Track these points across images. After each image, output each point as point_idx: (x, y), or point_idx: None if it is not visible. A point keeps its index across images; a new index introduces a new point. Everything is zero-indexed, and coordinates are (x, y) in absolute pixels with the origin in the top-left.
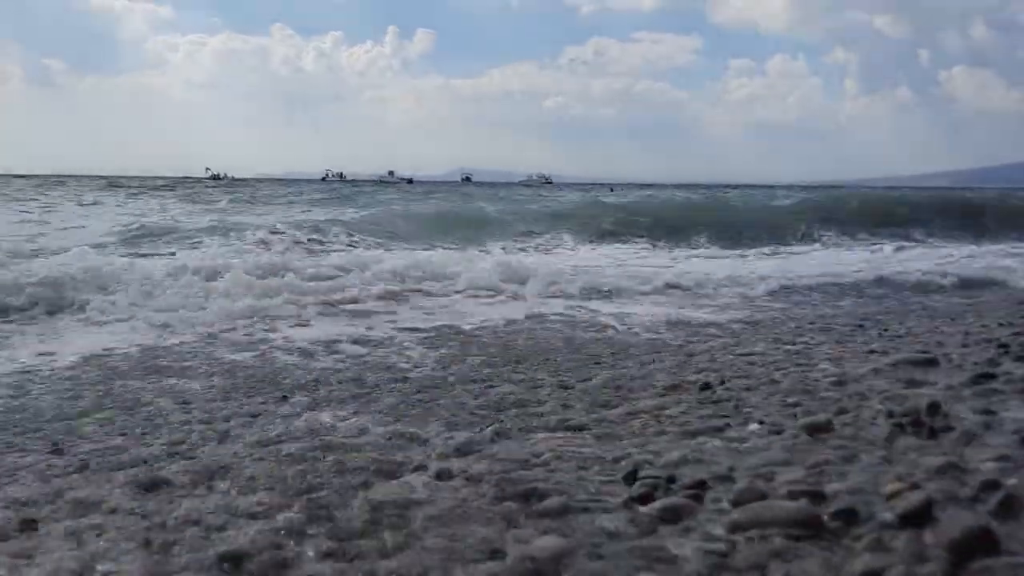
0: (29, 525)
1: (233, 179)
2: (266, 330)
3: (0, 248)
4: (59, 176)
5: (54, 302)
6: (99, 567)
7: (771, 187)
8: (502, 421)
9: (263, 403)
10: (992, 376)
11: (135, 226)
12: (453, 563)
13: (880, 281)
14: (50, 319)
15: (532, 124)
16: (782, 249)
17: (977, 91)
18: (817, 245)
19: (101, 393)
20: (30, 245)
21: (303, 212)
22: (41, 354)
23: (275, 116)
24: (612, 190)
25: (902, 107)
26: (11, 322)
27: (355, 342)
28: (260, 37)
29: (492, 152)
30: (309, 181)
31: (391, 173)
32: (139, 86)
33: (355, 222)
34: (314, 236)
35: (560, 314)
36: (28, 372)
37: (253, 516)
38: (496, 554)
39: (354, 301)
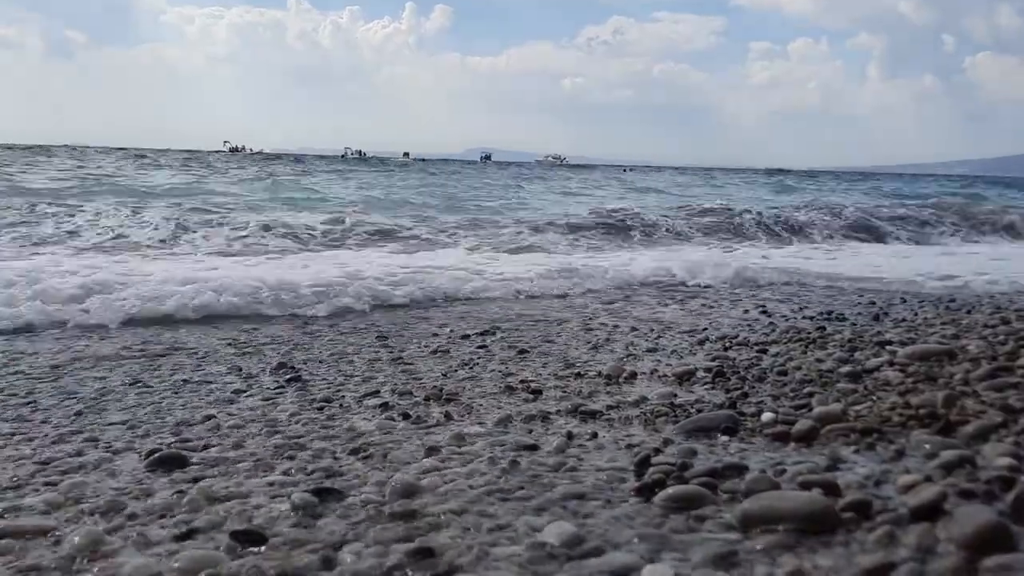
0: None
1: (251, 152)
2: None
3: None
4: (81, 147)
5: None
6: None
7: (789, 171)
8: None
9: None
10: (1009, 370)
11: None
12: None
13: None
14: None
15: (549, 104)
16: None
17: (1003, 78)
18: None
19: None
20: None
21: None
22: None
23: (290, 91)
24: (625, 171)
25: (926, 93)
26: None
27: None
28: (276, 10)
29: (508, 132)
30: (324, 157)
31: (406, 154)
32: (155, 59)
33: None
34: None
35: None
36: None
37: None
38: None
39: None
